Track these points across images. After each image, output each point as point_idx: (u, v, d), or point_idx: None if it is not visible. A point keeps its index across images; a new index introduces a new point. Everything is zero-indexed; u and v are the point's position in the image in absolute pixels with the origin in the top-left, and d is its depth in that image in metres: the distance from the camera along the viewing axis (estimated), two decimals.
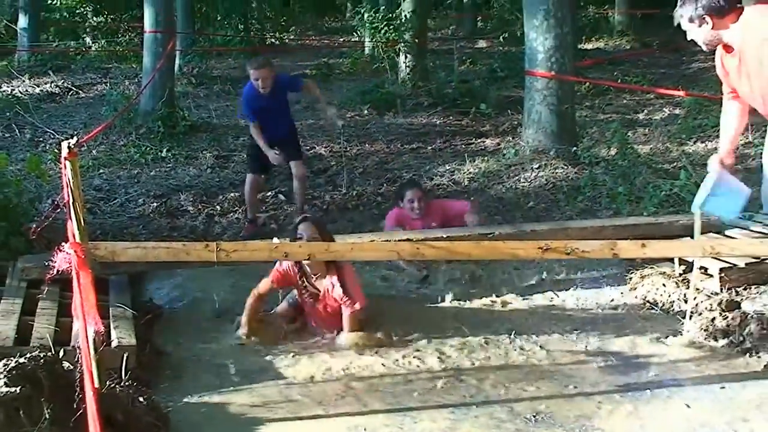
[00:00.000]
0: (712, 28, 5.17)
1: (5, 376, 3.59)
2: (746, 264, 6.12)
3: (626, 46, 19.53)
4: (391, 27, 15.04)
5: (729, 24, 5.16)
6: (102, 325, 3.04)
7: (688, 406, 4.69)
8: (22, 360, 3.78)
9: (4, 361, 3.74)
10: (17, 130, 11.76)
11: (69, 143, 4.30)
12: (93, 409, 2.21)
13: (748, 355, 5.37)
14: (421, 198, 7.41)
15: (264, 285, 5.85)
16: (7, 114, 12.44)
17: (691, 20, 5.19)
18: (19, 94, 14.02)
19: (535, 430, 4.50)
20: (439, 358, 5.38)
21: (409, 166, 10.01)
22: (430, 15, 18.41)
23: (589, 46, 19.21)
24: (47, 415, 3.44)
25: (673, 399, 4.83)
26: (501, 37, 17.97)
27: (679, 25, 5.34)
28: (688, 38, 5.34)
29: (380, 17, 15.38)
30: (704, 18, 5.14)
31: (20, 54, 17.18)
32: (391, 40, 15.13)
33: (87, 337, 2.99)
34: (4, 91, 14.43)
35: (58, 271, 4.07)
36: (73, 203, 4.32)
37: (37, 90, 14.62)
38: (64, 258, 3.98)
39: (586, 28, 20.23)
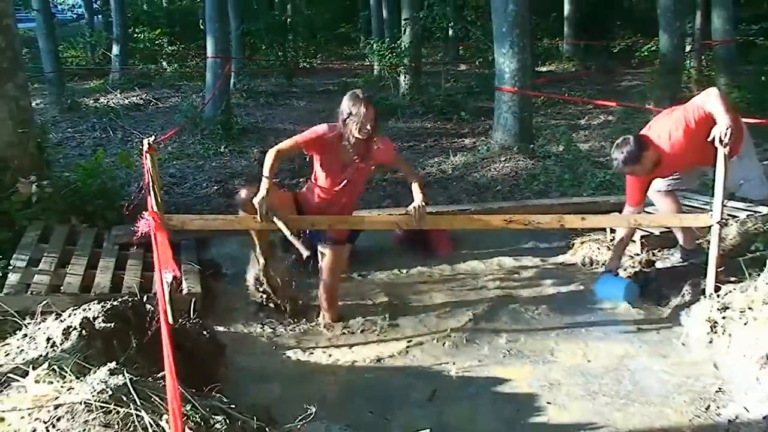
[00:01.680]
0: (646, 160, 5.16)
1: (103, 314, 3.61)
2: (660, 232, 6.15)
3: (572, 69, 19.41)
4: (394, 54, 15.01)
5: (650, 152, 5.15)
6: (178, 272, 3.05)
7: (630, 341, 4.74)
8: (115, 303, 3.81)
9: (102, 303, 3.76)
10: (111, 132, 11.74)
11: (149, 141, 4.34)
12: (166, 338, 2.23)
13: (660, 301, 5.40)
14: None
15: (289, 143, 4.69)
16: (104, 120, 12.42)
17: (634, 163, 5.16)
18: (113, 105, 13.97)
19: (510, 361, 4.57)
20: (434, 308, 5.42)
21: (407, 159, 9.97)
22: (423, 45, 18.28)
23: (544, 69, 19.08)
24: (134, 344, 3.46)
25: (609, 336, 4.88)
26: (477, 61, 17.86)
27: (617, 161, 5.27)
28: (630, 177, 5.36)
29: (385, 47, 15.34)
30: (640, 156, 5.13)
31: (113, 74, 17.18)
32: (393, 64, 15.08)
33: (162, 282, 3.00)
34: (101, 102, 14.40)
35: (141, 233, 4.11)
36: (152, 185, 4.34)
37: (126, 102, 14.55)
38: (146, 223, 4.02)
39: (542, 55, 20.09)
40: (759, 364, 4.13)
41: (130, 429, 2.20)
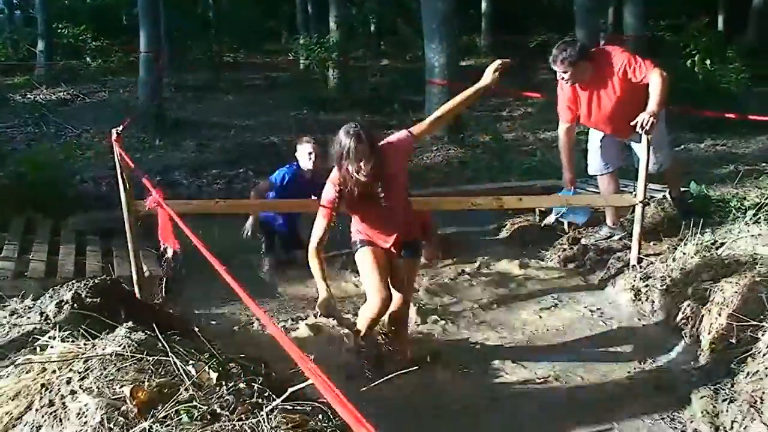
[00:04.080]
0: (579, 69, 5.48)
1: (89, 291, 3.75)
2: None
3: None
4: (323, 48, 15.20)
5: (587, 65, 5.52)
6: (177, 246, 3.22)
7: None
8: (97, 281, 3.97)
9: (84, 282, 3.90)
10: (44, 127, 11.71)
11: (117, 131, 4.50)
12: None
13: (588, 274, 5.83)
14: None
15: (320, 231, 3.96)
16: (36, 115, 12.35)
17: (570, 64, 5.44)
18: (40, 100, 13.88)
19: (482, 331, 4.83)
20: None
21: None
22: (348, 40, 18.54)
23: (464, 63, 19.51)
24: (122, 315, 3.59)
25: (548, 305, 5.24)
26: (407, 57, 18.17)
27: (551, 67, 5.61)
28: (559, 77, 5.58)
29: (314, 42, 15.52)
30: (576, 62, 5.44)
31: (39, 70, 16.91)
32: (323, 58, 15.27)
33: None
34: (29, 98, 14.27)
35: (149, 208, 4.20)
36: (121, 173, 4.54)
37: (53, 97, 14.42)
38: (153, 199, 4.08)
39: (462, 50, 20.51)
40: (678, 326, 4.61)
41: (161, 373, 2.45)
